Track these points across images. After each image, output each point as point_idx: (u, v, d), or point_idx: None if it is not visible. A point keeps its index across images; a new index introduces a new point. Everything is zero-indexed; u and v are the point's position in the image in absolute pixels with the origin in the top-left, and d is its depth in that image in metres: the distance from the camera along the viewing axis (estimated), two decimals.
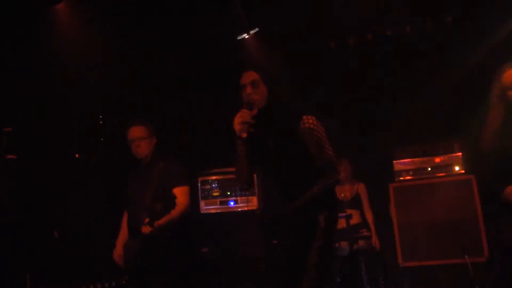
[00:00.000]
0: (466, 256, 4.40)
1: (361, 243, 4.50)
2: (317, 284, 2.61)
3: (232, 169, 4.62)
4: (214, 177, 4.61)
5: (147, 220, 3.28)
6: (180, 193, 3.48)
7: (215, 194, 4.60)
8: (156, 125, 3.77)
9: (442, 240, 4.56)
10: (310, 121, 2.70)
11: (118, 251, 3.63)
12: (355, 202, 4.82)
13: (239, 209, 4.57)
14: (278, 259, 2.90)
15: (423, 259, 4.58)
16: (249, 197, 4.54)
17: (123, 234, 3.73)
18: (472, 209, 4.55)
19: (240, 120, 2.62)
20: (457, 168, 4.76)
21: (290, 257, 2.76)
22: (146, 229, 3.31)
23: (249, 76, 2.74)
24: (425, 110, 5.14)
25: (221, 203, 4.58)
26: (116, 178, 4.03)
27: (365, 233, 4.47)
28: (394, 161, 4.91)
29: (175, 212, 3.42)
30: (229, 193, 4.57)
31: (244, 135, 2.65)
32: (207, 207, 4.56)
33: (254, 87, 2.72)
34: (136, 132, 3.64)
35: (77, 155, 3.86)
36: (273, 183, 2.92)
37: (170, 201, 3.32)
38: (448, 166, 4.79)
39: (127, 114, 4.21)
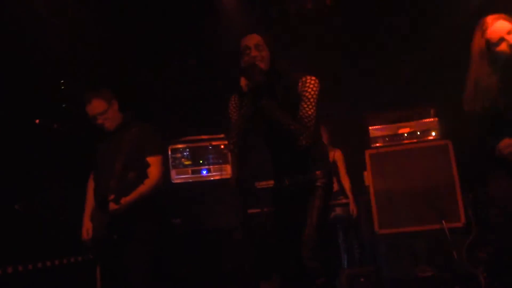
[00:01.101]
0: (443, 222, 4.38)
1: (338, 210, 4.42)
2: (315, 245, 2.57)
3: (205, 137, 4.51)
4: (185, 145, 4.41)
5: (112, 196, 3.04)
6: (153, 163, 3.24)
7: (187, 163, 4.40)
8: (124, 91, 3.53)
9: (419, 207, 4.49)
10: (308, 80, 2.72)
11: (86, 226, 3.42)
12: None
13: (212, 178, 4.39)
14: (276, 221, 2.88)
15: (399, 226, 4.52)
16: (223, 166, 4.37)
17: (89, 206, 3.51)
18: (449, 174, 4.49)
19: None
20: (433, 133, 4.69)
21: (289, 218, 2.70)
22: (112, 206, 3.10)
23: (253, 39, 2.73)
24: (401, 75, 5.05)
25: (193, 172, 4.39)
26: (82, 147, 3.80)
27: (343, 201, 4.37)
28: (370, 127, 4.81)
29: (144, 187, 3.20)
30: (201, 161, 4.39)
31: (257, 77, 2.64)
32: (178, 177, 4.37)
33: (258, 50, 2.71)
34: (94, 109, 3.34)
35: (37, 121, 3.57)
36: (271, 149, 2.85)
37: (144, 170, 3.09)
38: (424, 131, 4.71)
39: (93, 81, 3.94)
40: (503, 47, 2.72)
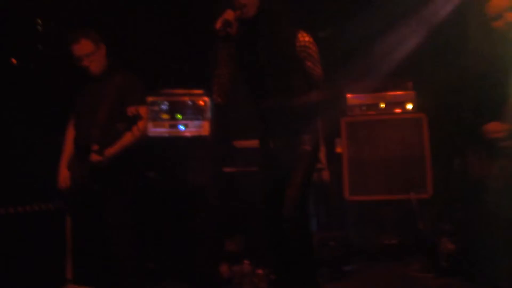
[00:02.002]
0: (411, 193, 4.51)
1: None
2: (296, 205, 2.58)
3: (184, 91, 4.41)
4: (164, 98, 4.30)
5: (95, 147, 2.95)
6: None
7: (164, 116, 4.31)
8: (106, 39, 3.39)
9: (389, 176, 4.60)
10: (307, 38, 2.67)
11: (63, 174, 3.32)
12: None
13: (189, 134, 4.32)
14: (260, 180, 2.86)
15: (369, 193, 4.63)
16: (201, 122, 4.30)
17: (67, 153, 3.41)
18: (421, 147, 4.60)
19: (221, 18, 2.54)
20: (409, 106, 4.76)
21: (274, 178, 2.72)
22: (95, 157, 3.01)
23: None
24: (381, 46, 5.06)
25: (170, 126, 4.31)
26: (61, 91, 3.66)
27: (318, 166, 4.40)
28: (347, 96, 4.84)
29: (129, 139, 3.12)
30: (179, 116, 4.30)
31: (221, 30, 2.56)
32: (155, 129, 4.27)
33: None
34: (80, 49, 3.22)
35: (13, 60, 3.40)
36: (254, 100, 2.79)
37: (131, 121, 2.99)
38: (401, 103, 4.77)
39: (72, 23, 3.76)
40: (499, 23, 2.76)
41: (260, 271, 3.82)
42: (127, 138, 3.11)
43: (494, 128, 2.73)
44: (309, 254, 2.83)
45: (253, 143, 4.23)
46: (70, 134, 3.43)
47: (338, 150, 4.85)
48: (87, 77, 3.33)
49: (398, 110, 4.75)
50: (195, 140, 4.30)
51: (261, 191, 3.30)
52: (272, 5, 2.68)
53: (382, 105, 4.79)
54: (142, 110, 3.13)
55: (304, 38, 2.68)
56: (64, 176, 3.30)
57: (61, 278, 3.76)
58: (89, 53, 3.19)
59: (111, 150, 3.07)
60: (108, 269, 3.48)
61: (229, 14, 2.56)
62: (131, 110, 2.93)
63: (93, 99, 3.23)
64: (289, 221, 2.66)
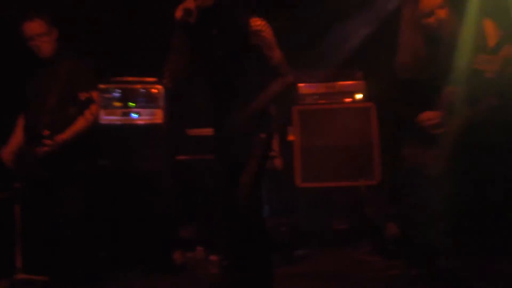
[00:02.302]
0: (360, 179, 4.67)
1: None
2: (251, 192, 2.64)
3: (137, 79, 4.39)
4: (116, 86, 4.26)
5: (46, 132, 2.93)
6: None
7: (117, 104, 4.27)
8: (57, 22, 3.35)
9: (339, 164, 4.75)
10: (258, 22, 2.66)
11: (8, 150, 3.27)
12: None
13: (142, 122, 4.31)
14: (214, 168, 2.89)
15: (319, 180, 4.76)
16: (154, 110, 4.29)
17: (16, 139, 3.36)
18: (369, 135, 4.76)
19: (182, 7, 2.55)
20: (358, 95, 4.91)
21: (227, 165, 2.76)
22: (46, 143, 2.99)
23: None
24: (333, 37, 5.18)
25: (123, 114, 4.28)
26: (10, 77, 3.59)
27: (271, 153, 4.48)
28: (299, 85, 4.93)
29: (81, 125, 3.11)
30: (132, 104, 4.28)
31: (181, 18, 2.58)
32: (107, 117, 4.23)
33: None
34: (34, 28, 3.22)
35: None
36: (212, 91, 2.82)
37: (82, 106, 2.98)
38: (350, 93, 4.91)
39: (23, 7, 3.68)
40: (431, 20, 2.86)
41: (213, 257, 3.89)
42: (80, 123, 3.10)
43: (427, 116, 2.85)
44: (263, 241, 2.88)
45: (207, 131, 4.30)
46: (21, 121, 3.38)
47: (290, 138, 4.95)
48: (37, 63, 3.29)
49: (348, 100, 4.89)
50: (148, 128, 4.30)
51: (214, 179, 3.35)
52: None
53: (333, 95, 4.92)
54: (94, 94, 3.13)
55: (255, 23, 2.67)
56: (8, 149, 3.26)
57: (10, 267, 3.71)
58: (42, 33, 3.20)
59: (63, 136, 3.05)
60: (59, 258, 3.47)
61: (189, 3, 2.56)
62: (83, 95, 2.92)
63: (43, 85, 3.21)
64: (244, 208, 2.71)
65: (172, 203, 4.34)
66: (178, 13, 2.58)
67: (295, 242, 4.25)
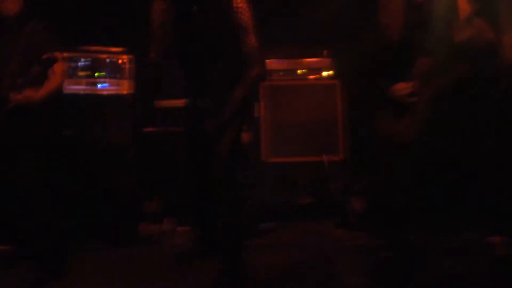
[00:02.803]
0: (324, 155, 4.74)
1: None
2: (227, 161, 2.65)
3: (104, 48, 4.30)
4: (82, 55, 4.17)
5: (19, 81, 2.83)
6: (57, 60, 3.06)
7: (82, 73, 4.18)
8: None
9: (305, 139, 4.82)
10: (240, 3, 2.69)
11: None
12: None
13: (107, 93, 4.24)
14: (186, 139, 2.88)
15: (285, 156, 4.81)
16: (120, 80, 4.23)
17: None
18: (334, 112, 4.84)
19: None
20: (324, 72, 4.97)
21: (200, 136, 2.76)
22: (15, 96, 2.88)
23: None
24: (300, 13, 5.21)
25: (88, 84, 4.19)
26: None
27: None
28: (267, 60, 4.95)
29: (52, 85, 3.02)
30: (97, 74, 4.20)
31: None
32: (72, 87, 4.14)
33: None
34: None
35: None
36: (188, 65, 2.80)
37: (47, 67, 2.89)
38: (317, 69, 4.97)
39: None
40: None
41: (180, 229, 3.89)
42: (49, 85, 3.00)
43: (401, 86, 2.92)
44: (237, 212, 2.90)
45: (175, 102, 4.27)
46: None
47: (256, 114, 4.97)
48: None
49: (314, 76, 4.94)
50: (114, 99, 4.23)
51: (183, 151, 3.33)
52: None
53: (300, 71, 4.96)
54: (58, 55, 3.04)
55: (236, 2, 2.69)
56: None
57: None
58: None
59: (32, 93, 2.94)
60: (23, 228, 3.40)
61: None
62: (45, 55, 2.84)
63: (5, 48, 3.09)
64: (221, 180, 2.73)
65: (136, 175, 4.29)
66: None
67: (261, 215, 4.29)
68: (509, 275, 2.83)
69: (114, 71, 4.22)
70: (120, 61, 4.25)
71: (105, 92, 4.22)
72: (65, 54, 3.79)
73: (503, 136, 2.96)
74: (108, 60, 4.21)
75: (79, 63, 4.16)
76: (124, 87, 4.24)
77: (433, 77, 2.78)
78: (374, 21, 3.23)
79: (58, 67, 3.00)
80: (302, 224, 4.46)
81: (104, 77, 4.21)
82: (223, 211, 2.80)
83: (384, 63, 3.05)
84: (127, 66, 4.23)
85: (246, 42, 2.71)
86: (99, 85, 4.21)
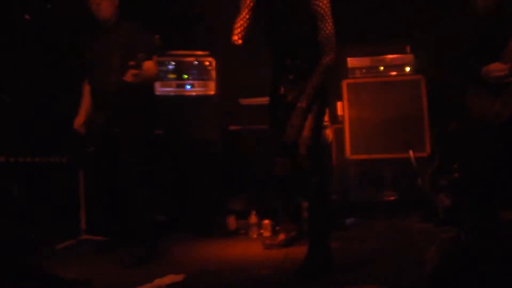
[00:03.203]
0: (410, 151, 4.68)
1: None
2: (311, 146, 2.72)
3: (190, 52, 4.54)
4: (171, 59, 4.44)
5: (132, 63, 3.05)
6: (150, 64, 3.30)
7: (171, 76, 4.45)
8: None
9: (389, 136, 4.77)
10: None
11: (79, 120, 3.47)
12: None
13: (195, 94, 4.46)
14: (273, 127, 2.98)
15: (369, 152, 4.79)
16: (207, 82, 4.45)
17: (85, 104, 3.56)
18: (419, 108, 4.77)
19: None
20: (407, 68, 4.92)
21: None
22: (129, 75, 3.09)
23: None
24: (381, 10, 5.20)
25: (177, 85, 4.45)
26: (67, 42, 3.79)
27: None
28: (348, 58, 4.98)
29: (150, 73, 3.26)
30: (186, 76, 4.44)
31: None
32: (163, 89, 4.41)
33: None
34: None
35: (26, 16, 3.50)
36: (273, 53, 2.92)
37: (142, 61, 3.12)
38: (400, 66, 4.93)
39: None
40: None
41: (266, 221, 3.99)
42: (147, 72, 3.23)
43: (496, 67, 2.86)
44: (324, 200, 2.95)
45: (259, 100, 4.41)
46: (86, 88, 3.57)
47: (340, 112, 5.01)
48: (94, 31, 3.47)
49: (397, 73, 4.91)
50: (201, 99, 4.44)
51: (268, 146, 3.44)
52: None
53: (382, 68, 4.95)
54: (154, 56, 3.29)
55: None
56: (79, 121, 3.46)
57: (76, 228, 3.92)
58: None
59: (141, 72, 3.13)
60: (121, 221, 3.65)
61: None
62: (140, 54, 3.08)
63: (105, 48, 3.36)
64: (306, 160, 2.81)
65: (222, 171, 4.47)
66: None
67: (345, 210, 4.31)
68: None
69: (200, 73, 4.45)
70: (206, 63, 4.46)
71: (192, 93, 4.44)
72: (156, 58, 4.08)
73: None
74: (194, 62, 4.45)
75: (168, 67, 4.43)
76: (210, 88, 4.45)
77: None
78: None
79: (152, 64, 3.23)
80: (387, 220, 4.42)
81: (191, 79, 4.44)
82: (310, 197, 2.88)
83: (476, 41, 3.00)
84: (212, 67, 4.44)
85: (322, 29, 2.78)
86: (187, 87, 4.44)
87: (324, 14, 2.78)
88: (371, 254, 3.23)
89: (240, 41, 2.87)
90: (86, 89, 3.56)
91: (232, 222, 4.17)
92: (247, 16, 2.82)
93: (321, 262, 2.77)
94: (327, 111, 4.74)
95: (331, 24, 2.80)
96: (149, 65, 3.23)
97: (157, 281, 2.54)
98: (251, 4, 2.82)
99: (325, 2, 2.79)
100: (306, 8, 2.78)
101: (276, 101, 3.07)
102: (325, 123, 4.72)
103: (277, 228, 3.90)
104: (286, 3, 2.81)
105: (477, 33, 2.96)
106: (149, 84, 3.48)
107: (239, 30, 2.84)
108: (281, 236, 3.52)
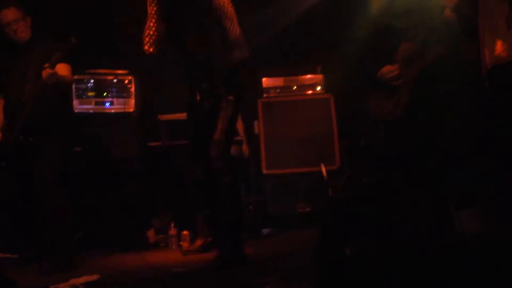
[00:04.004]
0: (321, 165, 4.97)
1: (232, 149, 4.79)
2: (223, 147, 2.91)
3: (110, 71, 4.63)
4: (90, 77, 4.52)
5: (46, 64, 3.15)
6: (65, 68, 3.42)
7: (90, 94, 4.52)
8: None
9: (302, 151, 5.06)
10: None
11: None
12: None
13: (114, 111, 4.56)
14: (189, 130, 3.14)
15: (284, 167, 5.05)
16: (126, 99, 4.56)
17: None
18: (329, 124, 5.11)
19: None
20: (318, 88, 5.27)
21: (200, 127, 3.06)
22: (45, 73, 3.19)
23: None
24: (292, 33, 5.57)
25: (96, 103, 4.52)
26: None
27: (237, 138, 4.76)
28: (263, 79, 5.26)
29: (66, 73, 3.38)
30: (105, 94, 4.53)
31: None
32: (81, 106, 4.48)
33: None
34: (9, 15, 3.50)
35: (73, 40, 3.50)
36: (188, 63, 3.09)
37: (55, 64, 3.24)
38: (311, 85, 5.28)
39: None
40: None
41: (185, 232, 4.10)
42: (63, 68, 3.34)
43: (387, 69, 3.21)
44: (236, 200, 3.14)
45: (177, 116, 4.57)
46: (0, 102, 3.60)
47: (256, 130, 5.25)
48: (10, 50, 3.55)
49: (309, 92, 5.25)
50: (120, 117, 4.54)
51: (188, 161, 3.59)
52: None
53: (294, 87, 5.27)
54: (67, 67, 3.43)
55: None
56: None
57: None
58: (18, 19, 3.47)
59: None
60: (36, 236, 3.64)
61: None
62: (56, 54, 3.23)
63: (21, 65, 3.45)
64: (217, 160, 2.99)
65: (145, 187, 4.56)
66: None
67: (262, 221, 4.50)
68: None
69: (120, 91, 4.56)
70: (125, 81, 4.58)
71: (112, 110, 4.53)
72: (75, 77, 4.16)
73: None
74: (114, 80, 4.55)
75: (88, 85, 4.50)
76: (129, 105, 4.56)
77: (414, 60, 3.08)
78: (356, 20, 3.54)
79: (67, 74, 3.35)
80: (301, 231, 4.63)
81: (111, 96, 4.53)
82: (222, 195, 3.04)
83: (372, 49, 3.33)
84: (131, 85, 4.57)
85: (232, 30, 3.00)
86: (107, 104, 4.53)
87: (229, 14, 3.01)
88: (281, 256, 3.42)
89: (151, 50, 3.04)
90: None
91: (151, 235, 4.25)
92: (155, 25, 2.99)
93: (231, 257, 2.94)
94: (242, 124, 5.05)
95: (238, 26, 3.03)
96: (63, 67, 3.34)
97: (73, 280, 2.60)
98: (156, 13, 2.99)
99: (230, 5, 3.02)
100: (210, 14, 2.98)
101: (193, 109, 3.24)
102: (242, 139, 4.98)
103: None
104: (191, 14, 3.00)
105: (374, 40, 3.30)
106: (63, 87, 3.56)
107: (147, 39, 3.01)
108: (198, 242, 3.65)
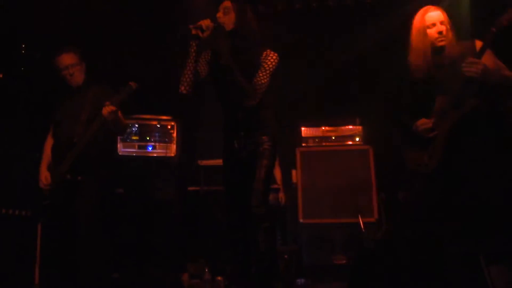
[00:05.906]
0: (359, 216, 4.93)
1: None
2: (262, 196, 2.94)
3: (153, 116, 4.79)
4: (134, 121, 4.69)
5: (108, 103, 3.34)
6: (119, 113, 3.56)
7: (134, 138, 4.68)
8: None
9: (339, 202, 5.03)
10: (270, 54, 3.15)
11: (44, 174, 3.63)
12: None
13: (156, 155, 4.69)
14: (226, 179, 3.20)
15: (321, 217, 5.03)
16: (168, 144, 4.69)
17: (46, 158, 3.73)
18: (367, 176, 5.07)
19: (198, 22, 3.03)
20: (357, 138, 5.28)
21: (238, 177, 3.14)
22: (106, 110, 3.36)
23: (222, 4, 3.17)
24: (334, 86, 5.67)
25: (139, 147, 4.67)
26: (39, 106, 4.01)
27: (274, 186, 4.79)
28: (302, 128, 5.33)
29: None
30: (148, 138, 4.68)
31: (192, 31, 3.05)
32: (125, 150, 4.63)
33: (224, 13, 3.13)
34: (67, 59, 3.69)
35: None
36: (226, 110, 3.19)
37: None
38: (350, 136, 5.29)
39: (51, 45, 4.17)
40: (432, 31, 3.26)
41: (219, 278, 4.11)
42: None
43: (422, 122, 3.21)
44: (271, 253, 3.15)
45: (216, 161, 4.65)
46: (49, 141, 3.76)
47: (294, 179, 5.28)
48: (64, 93, 3.74)
49: (348, 142, 5.27)
50: (162, 161, 4.66)
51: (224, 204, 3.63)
52: (246, 23, 3.16)
53: (333, 138, 5.30)
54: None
55: (268, 53, 3.14)
56: (45, 175, 3.61)
57: (28, 283, 3.95)
58: (74, 63, 3.64)
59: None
60: (75, 275, 3.71)
61: (205, 22, 3.04)
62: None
63: (74, 106, 3.61)
64: (257, 208, 3.03)
65: (180, 231, 4.61)
66: (191, 25, 3.05)
67: (296, 271, 4.46)
68: None
69: (162, 136, 4.70)
70: (168, 127, 4.73)
71: (154, 154, 4.66)
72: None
73: None
74: (158, 125, 4.71)
75: (132, 129, 4.66)
76: (171, 150, 4.69)
77: (449, 112, 3.08)
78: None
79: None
80: (337, 283, 4.56)
81: (154, 141, 4.68)
82: (261, 241, 3.06)
83: (408, 101, 3.35)
84: (174, 131, 4.70)
85: (259, 78, 3.10)
86: (149, 148, 4.67)
87: (266, 67, 3.11)
88: None
89: (185, 91, 3.15)
90: (47, 145, 3.74)
91: (186, 279, 4.27)
92: (193, 67, 3.11)
93: None
94: (279, 172, 5.09)
95: (268, 77, 3.12)
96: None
97: None
98: (197, 56, 3.13)
99: (271, 59, 3.13)
100: (257, 65, 3.10)
101: (230, 156, 3.30)
102: (278, 186, 5.00)
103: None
104: (240, 63, 3.10)
105: (411, 93, 3.31)
106: (119, 128, 3.68)
107: (183, 79, 3.13)
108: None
